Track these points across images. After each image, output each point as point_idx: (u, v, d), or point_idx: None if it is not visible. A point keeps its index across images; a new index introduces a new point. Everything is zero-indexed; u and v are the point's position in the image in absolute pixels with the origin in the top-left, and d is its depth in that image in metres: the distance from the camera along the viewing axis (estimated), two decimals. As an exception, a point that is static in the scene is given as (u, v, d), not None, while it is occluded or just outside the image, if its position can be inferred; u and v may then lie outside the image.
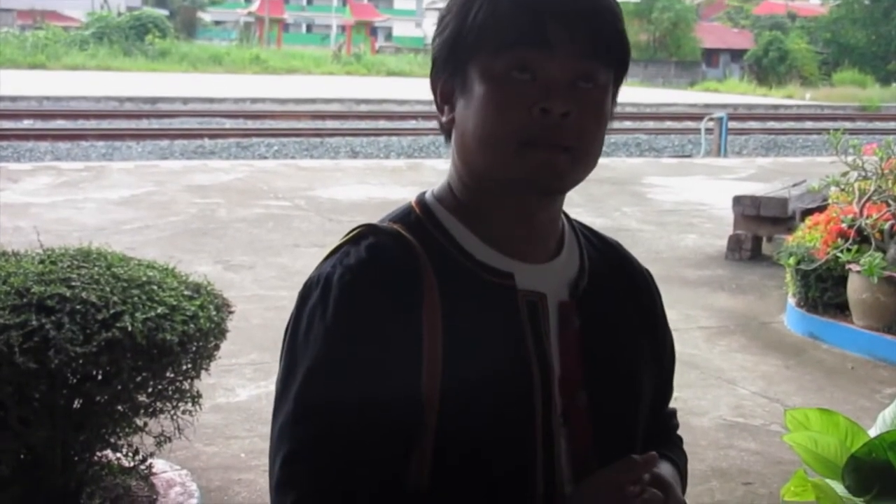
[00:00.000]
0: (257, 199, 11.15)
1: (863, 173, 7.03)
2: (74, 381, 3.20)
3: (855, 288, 6.66)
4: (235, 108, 23.44)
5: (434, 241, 1.29)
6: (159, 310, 3.30)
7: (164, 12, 46.59)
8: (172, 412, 3.57)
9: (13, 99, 21.59)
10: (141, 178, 12.26)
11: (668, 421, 1.52)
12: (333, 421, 1.20)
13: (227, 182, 12.27)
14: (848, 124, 22.09)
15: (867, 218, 6.79)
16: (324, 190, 11.95)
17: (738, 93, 37.64)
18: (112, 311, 3.20)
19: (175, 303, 3.38)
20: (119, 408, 3.40)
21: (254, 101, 25.03)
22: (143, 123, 19.81)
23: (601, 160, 1.31)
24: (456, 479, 1.23)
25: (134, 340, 3.17)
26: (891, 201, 6.84)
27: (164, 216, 10.00)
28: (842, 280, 6.78)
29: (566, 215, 1.38)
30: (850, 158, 7.06)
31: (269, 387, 4.74)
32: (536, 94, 1.21)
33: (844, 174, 7.07)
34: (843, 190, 7.20)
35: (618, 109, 1.34)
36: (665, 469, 1.34)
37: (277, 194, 11.56)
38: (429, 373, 1.21)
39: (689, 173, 14.91)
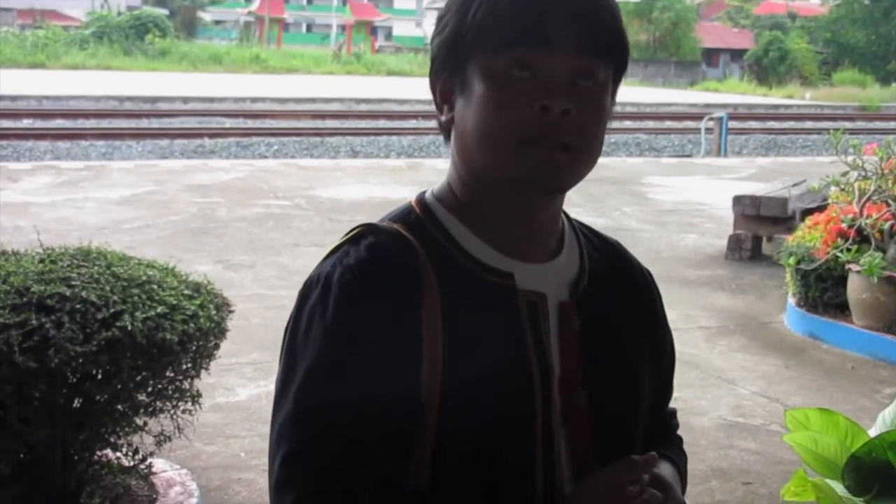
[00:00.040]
0: (257, 199, 11.15)
1: (863, 173, 7.03)
2: (74, 380, 3.19)
3: (855, 288, 6.66)
4: (235, 107, 23.44)
5: (434, 240, 1.29)
6: (159, 309, 3.29)
7: (164, 12, 46.59)
8: (172, 411, 3.56)
9: (13, 98, 21.59)
10: (141, 177, 12.26)
11: (669, 421, 1.52)
12: (333, 421, 1.20)
13: (227, 181, 12.27)
14: (848, 124, 22.10)
15: (867, 218, 6.79)
16: (324, 189, 11.95)
17: (738, 93, 37.65)
18: (112, 311, 3.20)
19: (175, 302, 3.38)
20: (119, 407, 3.40)
21: (254, 100, 25.03)
22: (143, 123, 19.81)
23: (601, 160, 1.31)
24: (456, 478, 1.23)
25: (134, 340, 3.17)
26: (891, 201, 6.84)
27: (164, 215, 10.00)
28: (842, 280, 6.78)
29: (566, 215, 1.38)
30: (850, 158, 7.06)
31: (269, 386, 4.73)
32: (536, 91, 1.21)
33: (844, 174, 7.08)
34: (843, 190, 7.20)
35: (618, 109, 1.34)
36: (665, 469, 1.34)
37: (277, 194, 11.56)
38: (429, 372, 1.21)
39: (689, 173, 14.91)
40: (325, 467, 1.19)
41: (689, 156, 18.08)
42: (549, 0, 1.22)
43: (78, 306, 3.17)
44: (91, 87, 25.33)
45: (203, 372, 3.56)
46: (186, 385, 3.54)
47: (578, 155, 1.24)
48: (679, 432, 1.54)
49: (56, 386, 3.16)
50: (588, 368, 1.31)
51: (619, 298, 1.39)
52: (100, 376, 3.22)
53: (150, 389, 3.43)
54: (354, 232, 1.30)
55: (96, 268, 3.39)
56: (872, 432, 2.82)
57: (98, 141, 16.51)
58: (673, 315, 1.76)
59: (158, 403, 3.51)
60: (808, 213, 8.43)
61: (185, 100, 24.05)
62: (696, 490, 4.37)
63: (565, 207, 1.37)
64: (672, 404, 1.53)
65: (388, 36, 66.06)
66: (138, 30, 39.84)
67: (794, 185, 9.90)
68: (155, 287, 3.40)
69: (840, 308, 6.88)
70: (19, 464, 3.37)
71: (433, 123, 1.36)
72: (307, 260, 7.46)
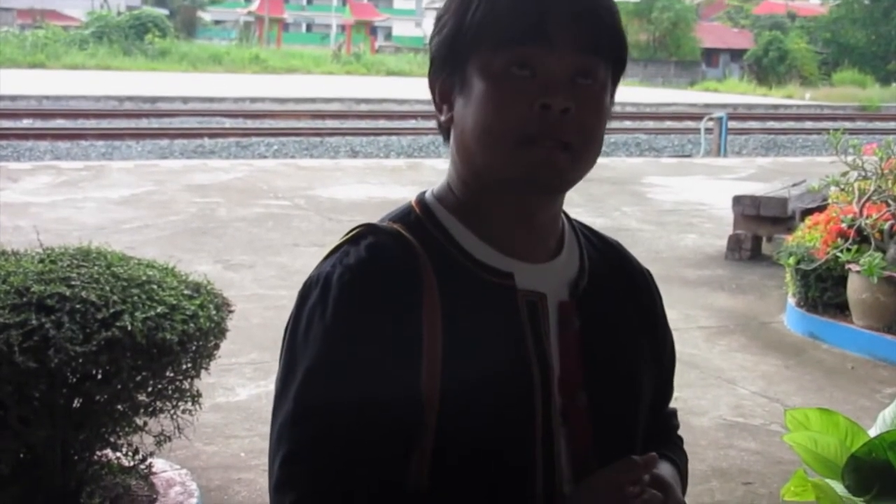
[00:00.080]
0: (257, 199, 11.15)
1: (862, 173, 7.03)
2: (74, 380, 3.19)
3: (855, 288, 6.66)
4: (235, 107, 23.44)
5: (434, 240, 1.29)
6: (159, 309, 3.29)
7: (163, 12, 46.58)
8: (172, 411, 3.56)
9: (13, 98, 21.58)
10: (141, 177, 12.26)
11: (669, 421, 1.52)
12: (333, 421, 1.19)
13: (226, 181, 12.27)
14: (848, 124, 22.10)
15: (867, 218, 6.79)
16: (323, 189, 11.95)
17: (738, 93, 37.65)
18: (112, 311, 3.20)
19: (175, 302, 3.37)
20: (119, 407, 3.40)
21: (253, 100, 25.02)
22: (143, 123, 19.80)
23: (600, 160, 1.31)
24: (456, 479, 1.23)
25: (134, 340, 3.17)
26: (890, 201, 6.84)
27: (164, 215, 10.00)
28: (842, 280, 6.78)
29: (566, 215, 1.38)
30: (849, 158, 7.06)
31: (269, 386, 4.73)
32: (536, 90, 1.21)
33: (844, 174, 7.07)
34: (842, 190, 7.20)
35: (617, 109, 1.34)
36: (665, 469, 1.34)
37: (277, 194, 11.56)
38: (428, 373, 1.21)
39: (689, 173, 14.91)
40: (324, 468, 1.19)
41: (688, 156, 18.08)
42: (549, -1, 1.22)
43: (78, 306, 3.17)
44: (91, 87, 25.33)
45: (203, 372, 3.56)
46: (186, 385, 3.54)
47: (578, 154, 1.24)
48: (679, 432, 1.54)
49: (56, 386, 3.16)
50: (588, 369, 1.31)
51: (619, 298, 1.39)
52: (100, 376, 3.21)
53: (149, 389, 3.43)
54: (354, 232, 1.30)
55: (96, 268, 3.39)
56: (872, 432, 2.83)
57: (98, 141, 16.51)
58: (673, 315, 1.76)
59: (158, 403, 3.51)
60: (807, 213, 8.43)
61: (185, 100, 24.04)
62: (696, 490, 4.37)
63: (565, 207, 1.36)
64: (672, 404, 1.53)
65: (388, 36, 66.06)
66: (138, 30, 39.84)
67: (794, 185, 9.90)
68: (155, 287, 3.39)
69: (840, 308, 6.88)
70: (19, 464, 3.37)
71: (433, 123, 1.36)
72: (307, 260, 7.46)
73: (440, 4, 1.33)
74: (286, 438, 1.22)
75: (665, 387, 1.48)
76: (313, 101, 25.38)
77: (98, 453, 3.61)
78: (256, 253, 8.58)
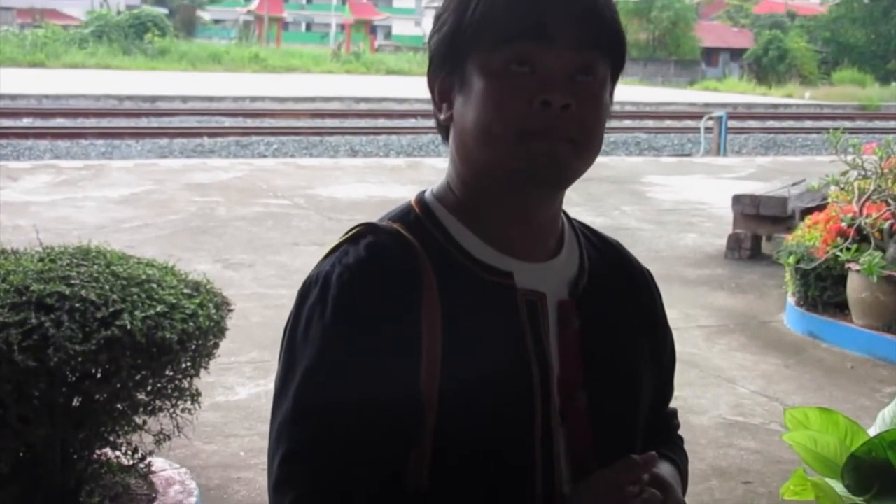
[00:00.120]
0: (257, 198, 11.14)
1: (862, 172, 7.03)
2: (74, 379, 3.19)
3: (854, 287, 6.66)
4: (235, 106, 23.44)
5: (433, 240, 1.28)
6: (159, 308, 3.29)
7: (163, 11, 46.59)
8: (172, 410, 3.56)
9: (13, 97, 21.58)
10: (140, 176, 12.26)
11: (669, 421, 1.51)
12: (332, 421, 1.19)
13: (226, 180, 12.27)
14: (847, 123, 22.12)
15: (867, 217, 6.79)
16: (323, 188, 11.95)
17: (738, 92, 37.65)
18: (111, 310, 3.19)
19: (174, 301, 3.37)
20: (118, 406, 3.40)
21: (253, 99, 25.03)
22: (143, 122, 19.81)
23: (600, 159, 1.31)
24: (455, 479, 1.23)
25: (133, 339, 3.17)
26: (890, 200, 6.84)
27: (164, 214, 10.00)
28: (841, 279, 6.78)
29: (566, 214, 1.38)
30: (849, 157, 7.06)
31: (269, 385, 4.74)
32: (536, 87, 1.21)
33: (844, 173, 7.07)
34: (842, 189, 7.20)
35: (617, 108, 1.34)
36: (665, 469, 1.34)
37: (277, 193, 11.56)
38: (428, 372, 1.21)
39: (689, 172, 14.91)
40: (324, 467, 1.19)
41: (688, 155, 18.08)
42: (549, -4, 1.22)
43: (77, 305, 3.17)
44: (90, 86, 25.33)
45: (202, 371, 3.56)
46: (186, 384, 3.54)
47: (579, 150, 1.24)
48: (679, 431, 1.53)
49: (55, 385, 3.16)
50: (588, 368, 1.30)
51: (619, 298, 1.39)
52: (99, 375, 3.21)
53: (149, 388, 3.43)
54: (354, 231, 1.30)
55: (96, 267, 3.39)
56: (872, 431, 2.82)
57: (98, 140, 16.51)
58: (672, 314, 1.76)
59: (158, 402, 3.51)
60: (807, 212, 8.44)
61: (185, 99, 24.05)
62: (696, 489, 4.37)
63: (565, 207, 1.36)
64: (672, 403, 1.52)
65: (388, 35, 66.05)
66: (137, 29, 39.85)
67: (794, 184, 9.90)
68: (154, 286, 3.39)
69: (840, 307, 6.88)
70: (19, 462, 3.37)
71: (432, 122, 1.36)
72: (306, 259, 7.46)
73: (439, 3, 1.32)
74: (285, 437, 1.21)
75: (665, 386, 1.47)
76: (313, 100, 25.39)
77: (97, 452, 3.61)
78: (256, 252, 8.58)
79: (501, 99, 1.22)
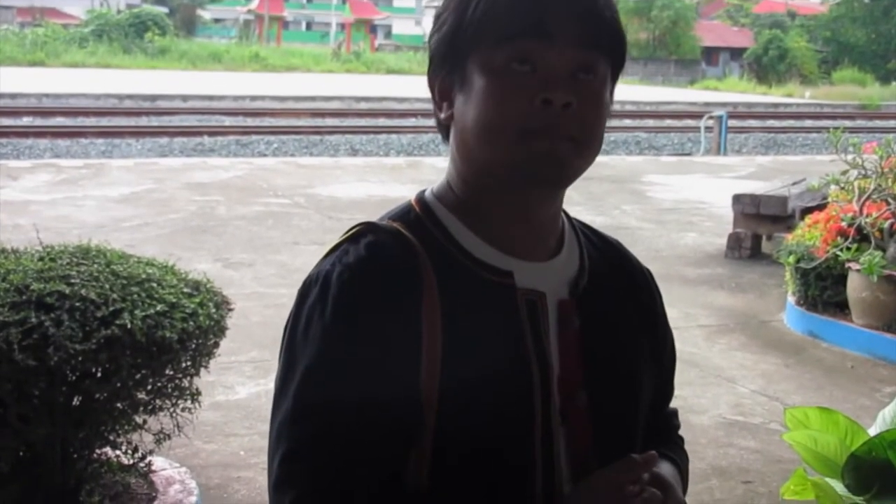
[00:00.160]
0: (257, 197, 11.14)
1: (862, 172, 7.02)
2: (74, 378, 3.19)
3: (854, 286, 6.66)
4: (235, 105, 23.44)
5: (434, 239, 1.28)
6: (159, 307, 3.29)
7: (163, 10, 46.59)
8: (172, 410, 3.56)
9: (13, 96, 21.59)
10: (140, 175, 12.26)
11: (669, 421, 1.51)
12: (332, 420, 1.19)
13: (226, 180, 12.27)
14: (848, 123, 22.13)
15: (867, 216, 6.79)
16: (323, 188, 11.95)
17: (738, 91, 37.65)
18: (111, 309, 3.19)
19: (174, 300, 3.37)
20: (118, 405, 3.40)
21: (253, 98, 25.03)
22: (143, 121, 19.81)
23: (600, 158, 1.31)
24: (455, 478, 1.22)
25: (133, 338, 3.17)
26: (890, 200, 6.83)
27: (164, 214, 10.00)
28: (841, 278, 6.78)
29: (566, 214, 1.38)
30: (849, 157, 7.06)
31: (269, 384, 4.74)
32: (537, 85, 1.21)
33: (844, 172, 7.07)
34: (842, 188, 7.20)
35: (617, 107, 1.34)
36: (665, 469, 1.34)
37: (277, 192, 11.56)
38: (428, 372, 1.21)
39: (689, 171, 14.91)
40: (324, 466, 1.19)
41: (688, 154, 18.08)
42: (549, -5, 1.22)
43: (77, 304, 3.17)
44: (91, 85, 25.33)
45: (202, 370, 3.56)
46: (186, 383, 3.54)
47: (580, 149, 1.24)
48: (679, 431, 1.53)
49: (55, 384, 3.16)
50: (588, 368, 1.30)
51: (619, 297, 1.38)
52: (99, 374, 3.21)
53: (149, 387, 3.43)
54: (354, 230, 1.30)
55: (96, 266, 3.39)
56: (872, 431, 2.82)
57: (98, 139, 16.51)
58: (673, 314, 1.75)
59: (158, 401, 3.51)
60: (807, 211, 8.44)
61: (185, 98, 24.06)
62: (696, 489, 4.37)
63: (565, 206, 1.36)
64: (672, 403, 1.52)
65: (388, 34, 66.02)
66: (138, 28, 39.86)
67: (794, 183, 9.90)
68: (154, 285, 3.39)
69: (840, 307, 6.88)
70: (19, 462, 3.37)
71: (433, 122, 1.35)
72: (307, 258, 7.46)
73: (440, 2, 1.32)
74: (285, 437, 1.21)
75: (665, 386, 1.47)
76: (313, 99, 25.39)
77: (97, 451, 3.61)
78: (256, 251, 8.58)
79: (502, 97, 1.22)
